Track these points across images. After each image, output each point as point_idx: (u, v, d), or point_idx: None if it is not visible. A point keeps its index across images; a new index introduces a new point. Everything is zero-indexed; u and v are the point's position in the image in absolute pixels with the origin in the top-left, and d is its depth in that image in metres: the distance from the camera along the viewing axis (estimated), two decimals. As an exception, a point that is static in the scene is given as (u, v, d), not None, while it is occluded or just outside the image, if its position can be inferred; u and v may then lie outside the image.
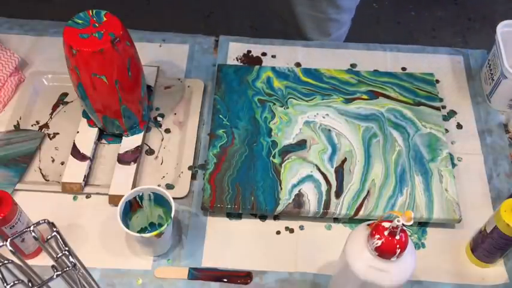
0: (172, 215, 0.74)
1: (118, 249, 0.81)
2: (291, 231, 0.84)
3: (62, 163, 0.89)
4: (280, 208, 0.82)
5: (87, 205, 0.85)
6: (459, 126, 0.96)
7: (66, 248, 0.55)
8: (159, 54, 1.04)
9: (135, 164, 0.87)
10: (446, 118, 0.96)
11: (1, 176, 0.86)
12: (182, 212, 0.85)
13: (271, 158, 0.87)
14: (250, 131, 0.90)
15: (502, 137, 0.95)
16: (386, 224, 0.60)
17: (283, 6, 1.20)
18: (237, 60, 1.03)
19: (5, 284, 0.52)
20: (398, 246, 0.59)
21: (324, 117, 0.92)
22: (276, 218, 0.85)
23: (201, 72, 1.02)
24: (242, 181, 0.84)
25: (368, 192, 0.84)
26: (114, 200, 0.83)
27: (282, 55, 1.04)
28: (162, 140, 0.93)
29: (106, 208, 0.84)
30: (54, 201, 0.85)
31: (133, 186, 0.85)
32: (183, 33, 1.08)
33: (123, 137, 0.90)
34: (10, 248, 0.54)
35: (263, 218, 0.85)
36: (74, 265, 0.55)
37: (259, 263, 0.80)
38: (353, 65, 1.03)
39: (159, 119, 0.95)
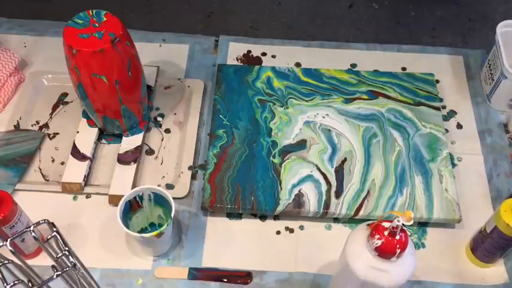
0: (172, 215, 0.74)
1: (118, 249, 0.81)
2: (291, 231, 0.84)
3: (62, 163, 0.89)
4: (280, 208, 0.82)
5: (87, 205, 0.85)
6: (459, 126, 0.96)
7: (66, 248, 0.55)
8: (159, 54, 1.04)
9: (135, 164, 0.87)
10: (446, 118, 0.96)
11: (1, 176, 0.86)
12: (182, 212, 0.85)
13: (271, 158, 0.87)
14: (250, 131, 0.90)
15: (502, 137, 0.95)
16: (386, 224, 0.60)
17: None
18: (237, 60, 1.03)
19: (5, 284, 0.52)
20: (398, 246, 0.59)
21: (324, 117, 0.92)
22: (276, 218, 0.85)
23: (201, 72, 1.02)
24: (242, 181, 0.84)
25: (368, 192, 0.84)
26: (114, 200, 0.83)
27: (282, 55, 1.04)
28: (162, 140, 0.93)
29: (106, 208, 0.84)
30: (54, 201, 0.85)
31: (134, 186, 0.85)
32: (183, 33, 1.08)
33: (123, 137, 0.90)
34: (10, 248, 0.54)
35: (263, 218, 0.85)
36: (74, 265, 0.55)
37: (259, 263, 0.80)
38: (353, 65, 1.03)
39: (159, 119, 0.95)
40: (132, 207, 0.78)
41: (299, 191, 0.84)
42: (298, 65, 1.03)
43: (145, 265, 0.80)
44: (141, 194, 0.77)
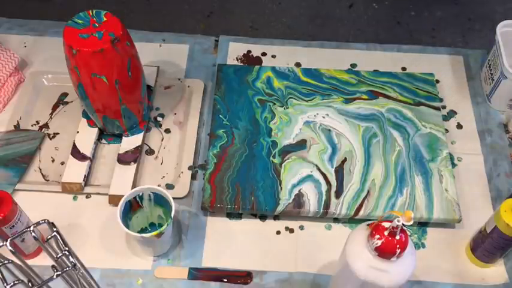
0: (172, 215, 0.74)
1: (118, 249, 0.81)
2: (291, 231, 0.84)
3: (62, 163, 0.89)
4: (280, 208, 0.82)
5: (87, 205, 0.85)
6: (459, 126, 0.96)
7: (66, 248, 0.55)
8: (159, 54, 1.04)
9: (135, 164, 0.87)
10: (446, 118, 0.96)
11: (1, 176, 0.86)
12: (182, 212, 0.85)
13: (271, 158, 0.87)
14: (250, 131, 0.90)
15: (502, 137, 0.95)
16: (386, 224, 0.60)
17: None
18: (237, 60, 1.04)
19: (5, 284, 0.52)
20: (398, 246, 0.59)
21: (324, 117, 0.92)
22: (276, 218, 0.85)
23: (201, 72, 1.02)
24: (242, 181, 0.84)
25: (368, 192, 0.84)
26: (114, 200, 0.83)
27: (282, 55, 1.04)
28: (162, 140, 0.93)
29: (106, 208, 0.84)
30: (54, 201, 0.85)
31: (133, 186, 0.85)
32: (183, 33, 1.08)
33: (123, 137, 0.90)
34: (10, 248, 0.54)
35: (263, 218, 0.85)
36: (74, 265, 0.55)
37: (259, 263, 0.80)
38: (353, 65, 1.03)
39: (159, 119, 0.95)
40: (132, 207, 0.78)
41: (299, 191, 0.84)
42: (298, 65, 1.03)
43: (145, 265, 0.80)
44: (141, 194, 0.77)
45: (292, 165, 0.86)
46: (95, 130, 0.91)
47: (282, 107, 0.93)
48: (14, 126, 0.92)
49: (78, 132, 0.90)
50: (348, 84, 0.96)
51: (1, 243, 0.54)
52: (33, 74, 0.99)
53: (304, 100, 0.94)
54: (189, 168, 0.88)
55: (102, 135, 0.92)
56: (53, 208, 0.84)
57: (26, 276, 0.56)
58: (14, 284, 0.53)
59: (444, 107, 0.98)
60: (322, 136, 0.90)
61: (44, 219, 0.57)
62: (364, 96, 0.95)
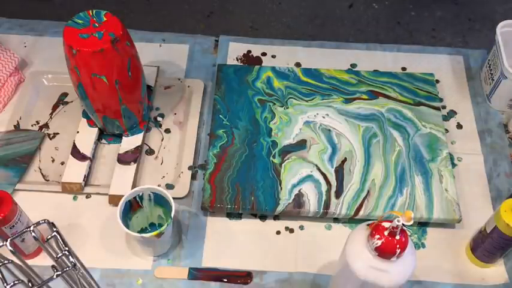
0: (172, 215, 0.74)
1: (118, 249, 0.81)
2: (291, 231, 0.84)
3: (62, 163, 0.89)
4: (280, 208, 0.82)
5: (87, 205, 0.85)
6: (459, 126, 0.96)
7: (66, 248, 0.55)
8: (159, 54, 1.04)
9: (135, 164, 0.87)
10: (446, 118, 0.96)
11: (1, 176, 0.86)
12: (182, 212, 0.85)
13: (271, 158, 0.87)
14: (250, 131, 0.90)
15: (502, 137, 0.95)
16: (386, 224, 0.60)
17: None
18: (237, 60, 1.04)
19: (5, 284, 0.52)
20: (398, 246, 0.59)
21: (324, 117, 0.92)
22: (276, 218, 0.85)
23: (201, 72, 1.02)
24: (242, 181, 0.84)
25: (368, 192, 0.84)
26: (114, 200, 0.83)
27: (282, 55, 1.04)
28: (162, 140, 0.93)
29: (106, 208, 0.84)
30: (54, 201, 0.85)
31: (134, 186, 0.85)
32: (183, 33, 1.08)
33: (123, 137, 0.90)
34: (10, 248, 0.54)
35: (263, 218, 0.85)
36: (74, 265, 0.55)
37: (259, 263, 0.80)
38: (353, 65, 1.03)
39: (159, 119, 0.95)
40: (132, 207, 0.78)
41: (299, 191, 0.84)
42: (298, 65, 1.03)
43: (145, 265, 0.80)
44: (141, 194, 0.77)
45: (292, 165, 0.86)
46: (95, 130, 0.91)
47: (282, 107, 0.93)
48: (14, 126, 0.92)
49: (78, 132, 0.90)
50: (348, 84, 0.96)
51: (1, 243, 0.54)
52: (33, 74, 0.99)
53: (304, 100, 0.94)
54: (189, 168, 0.88)
55: (102, 135, 0.92)
56: (53, 208, 0.84)
57: (26, 276, 0.56)
58: (14, 284, 0.53)
59: (444, 107, 0.98)
60: (322, 136, 0.90)
61: (44, 219, 0.57)
62: (364, 96, 0.95)
